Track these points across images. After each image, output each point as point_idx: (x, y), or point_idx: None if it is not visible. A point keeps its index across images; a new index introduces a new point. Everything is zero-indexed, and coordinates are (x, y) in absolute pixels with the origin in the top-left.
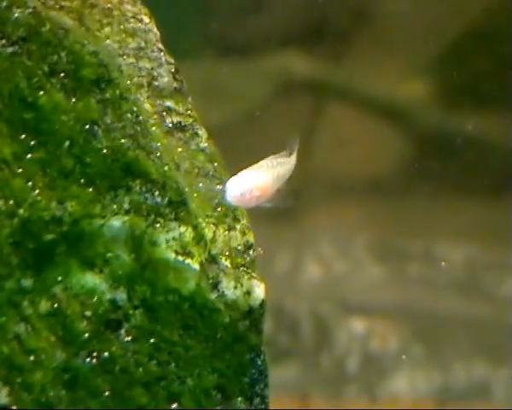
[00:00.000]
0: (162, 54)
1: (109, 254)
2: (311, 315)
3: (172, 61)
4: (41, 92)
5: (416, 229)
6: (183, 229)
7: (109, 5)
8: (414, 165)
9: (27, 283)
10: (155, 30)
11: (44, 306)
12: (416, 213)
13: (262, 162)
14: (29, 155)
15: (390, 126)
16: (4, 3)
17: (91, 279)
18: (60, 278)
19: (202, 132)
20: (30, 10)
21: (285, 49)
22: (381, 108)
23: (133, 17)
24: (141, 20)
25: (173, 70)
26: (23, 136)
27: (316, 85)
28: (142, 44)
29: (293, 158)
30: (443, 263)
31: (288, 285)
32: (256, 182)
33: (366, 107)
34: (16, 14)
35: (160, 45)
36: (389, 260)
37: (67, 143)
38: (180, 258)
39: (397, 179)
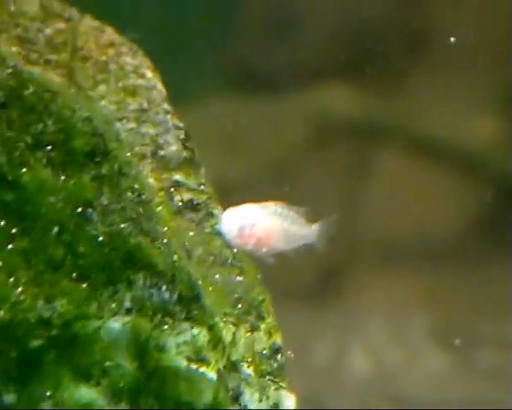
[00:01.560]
0: (169, 116)
1: (108, 363)
2: None
3: (181, 124)
4: (24, 169)
5: (488, 307)
6: (196, 331)
7: (104, 57)
8: (485, 224)
9: (10, 398)
10: (160, 86)
11: None
12: (488, 288)
13: (271, 203)
14: (10, 245)
15: (454, 176)
16: None
17: (87, 393)
18: (49, 393)
19: (218, 212)
20: (9, 70)
21: (322, 84)
22: (442, 154)
23: (133, 72)
24: (143, 75)
25: (182, 136)
26: (3, 222)
27: (361, 128)
28: (145, 105)
29: (315, 230)
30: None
31: (331, 380)
32: (260, 220)
33: (423, 153)
34: None
35: (166, 106)
36: (454, 347)
37: (56, 229)
38: (193, 366)
39: (463, 244)
